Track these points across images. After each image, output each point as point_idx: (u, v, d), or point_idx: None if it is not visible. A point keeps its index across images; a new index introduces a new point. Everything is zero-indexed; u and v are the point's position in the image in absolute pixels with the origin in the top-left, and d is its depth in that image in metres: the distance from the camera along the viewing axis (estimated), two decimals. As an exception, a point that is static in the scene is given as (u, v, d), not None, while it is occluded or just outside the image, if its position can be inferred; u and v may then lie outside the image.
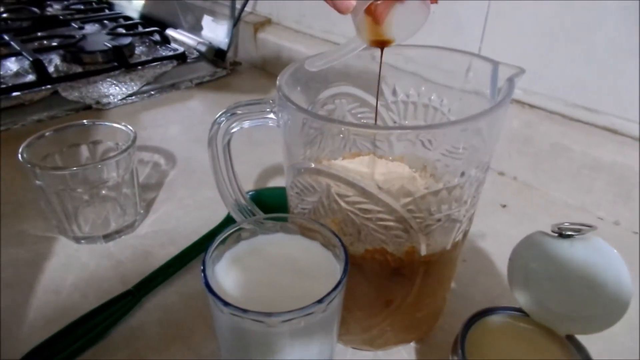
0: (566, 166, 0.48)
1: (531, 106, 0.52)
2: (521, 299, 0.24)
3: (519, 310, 0.24)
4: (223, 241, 0.24)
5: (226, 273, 0.23)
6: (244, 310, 0.19)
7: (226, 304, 0.19)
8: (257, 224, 0.26)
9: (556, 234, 0.23)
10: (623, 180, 0.45)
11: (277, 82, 0.27)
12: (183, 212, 0.48)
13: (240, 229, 0.25)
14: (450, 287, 0.33)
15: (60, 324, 0.34)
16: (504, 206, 0.49)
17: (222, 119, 0.29)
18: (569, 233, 0.22)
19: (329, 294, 0.20)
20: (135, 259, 0.41)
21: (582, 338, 0.23)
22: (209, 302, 0.22)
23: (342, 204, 0.25)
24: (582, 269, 0.22)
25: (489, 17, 0.52)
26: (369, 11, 0.26)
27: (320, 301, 0.20)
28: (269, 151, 0.56)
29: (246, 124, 0.29)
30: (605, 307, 0.21)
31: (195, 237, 0.42)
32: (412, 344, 0.33)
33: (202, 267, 0.22)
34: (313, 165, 0.26)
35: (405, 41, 0.28)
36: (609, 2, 0.42)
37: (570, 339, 0.23)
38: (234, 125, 0.29)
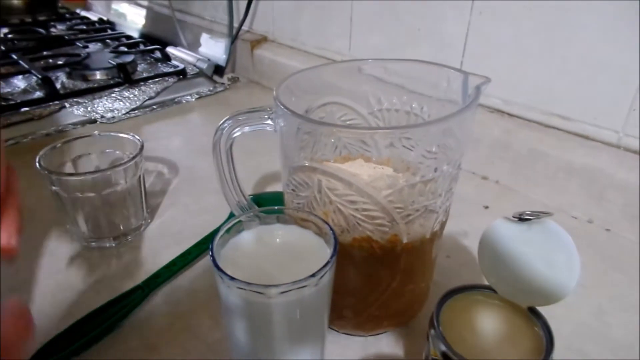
0: (543, 170, 0.52)
1: (510, 115, 0.56)
2: (489, 277, 0.27)
3: (488, 287, 0.27)
4: (228, 230, 0.27)
5: (231, 257, 0.26)
6: (248, 283, 0.22)
7: (232, 278, 0.23)
8: (256, 217, 0.29)
9: (516, 219, 0.26)
10: (595, 182, 0.49)
11: (274, 92, 0.31)
12: (186, 216, 0.51)
13: (241, 220, 0.28)
14: (432, 276, 0.36)
15: (75, 317, 0.37)
16: (487, 207, 0.52)
17: (225, 125, 0.32)
18: (527, 217, 0.25)
19: (320, 269, 0.23)
20: (142, 259, 0.44)
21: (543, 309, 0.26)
22: (216, 281, 0.25)
23: (332, 196, 0.28)
24: (538, 248, 0.25)
25: (469, 34, 0.56)
26: None
27: (313, 275, 0.23)
28: (265, 160, 0.59)
29: (247, 129, 0.32)
30: (559, 280, 0.25)
31: (198, 239, 0.45)
32: (399, 329, 0.36)
33: (210, 252, 0.25)
34: (307, 164, 0.29)
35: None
36: (581, 20, 0.47)
37: (532, 310, 0.26)
38: (235, 130, 0.32)
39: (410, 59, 0.35)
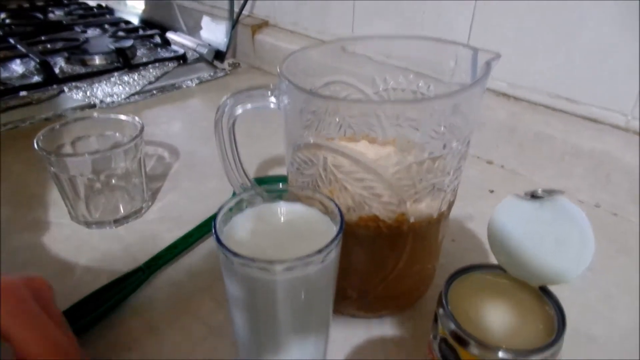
0: (549, 153, 0.51)
1: (516, 98, 0.55)
2: (499, 256, 0.27)
3: (497, 266, 0.27)
4: (231, 208, 0.27)
5: (234, 235, 0.26)
6: (252, 259, 0.22)
7: (236, 254, 0.22)
8: (260, 195, 0.28)
9: (528, 197, 0.25)
10: (602, 166, 0.48)
11: (278, 69, 0.30)
12: (187, 200, 0.50)
13: (244, 198, 0.28)
14: (438, 258, 0.36)
15: (75, 299, 0.36)
16: (492, 191, 0.52)
17: (227, 102, 0.32)
18: (539, 195, 0.25)
19: (327, 245, 0.23)
20: (143, 242, 0.44)
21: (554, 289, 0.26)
22: (219, 259, 0.24)
23: (338, 174, 0.28)
24: (550, 226, 0.24)
25: (475, 17, 0.55)
26: None
27: (319, 251, 0.22)
28: (267, 144, 0.58)
29: (249, 106, 0.31)
30: (571, 258, 0.24)
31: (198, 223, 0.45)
32: (404, 312, 0.36)
33: (213, 229, 0.24)
34: (312, 140, 0.28)
35: None
36: (589, 3, 0.45)
37: (543, 289, 0.25)
38: (238, 107, 0.31)
39: (417, 36, 0.34)
